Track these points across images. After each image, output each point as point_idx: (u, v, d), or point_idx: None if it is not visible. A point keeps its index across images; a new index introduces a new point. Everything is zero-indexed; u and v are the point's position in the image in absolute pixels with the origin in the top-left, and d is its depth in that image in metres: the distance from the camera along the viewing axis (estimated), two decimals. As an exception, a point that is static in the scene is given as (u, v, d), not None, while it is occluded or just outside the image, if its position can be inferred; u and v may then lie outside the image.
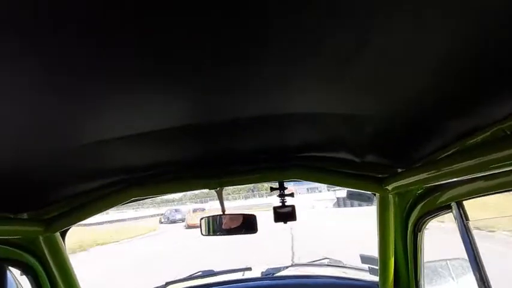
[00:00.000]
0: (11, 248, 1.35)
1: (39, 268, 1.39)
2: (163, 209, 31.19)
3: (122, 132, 0.79)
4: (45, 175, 1.02)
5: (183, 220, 22.30)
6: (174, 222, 23.24)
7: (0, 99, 0.54)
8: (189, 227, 18.35)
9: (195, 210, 20.34)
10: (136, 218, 28.56)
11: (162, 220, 24.85)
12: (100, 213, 1.37)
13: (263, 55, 0.53)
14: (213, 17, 0.42)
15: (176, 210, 25.22)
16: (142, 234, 18.42)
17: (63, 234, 1.49)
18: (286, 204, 1.48)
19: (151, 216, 28.66)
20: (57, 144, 0.80)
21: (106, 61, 0.49)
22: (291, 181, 1.45)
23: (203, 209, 20.24)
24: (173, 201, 44.32)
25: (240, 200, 38.02)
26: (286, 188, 1.49)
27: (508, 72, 0.58)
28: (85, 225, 16.94)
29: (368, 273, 1.89)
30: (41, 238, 1.36)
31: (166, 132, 0.83)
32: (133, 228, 20.12)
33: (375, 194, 1.39)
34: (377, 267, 1.51)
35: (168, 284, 2.22)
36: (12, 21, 0.38)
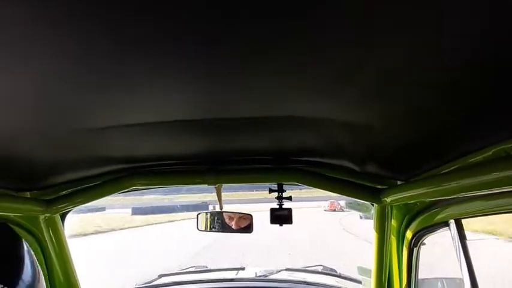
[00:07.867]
0: (12, 226, 1.38)
1: (38, 249, 1.42)
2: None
3: (131, 120, 0.80)
4: (50, 156, 1.04)
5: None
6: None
7: (10, 76, 0.54)
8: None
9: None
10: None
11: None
12: (100, 199, 1.39)
13: (264, 63, 0.53)
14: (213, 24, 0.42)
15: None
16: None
17: (63, 217, 1.52)
18: (283, 207, 1.48)
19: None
20: (66, 127, 0.81)
21: (128, 49, 0.48)
22: (290, 184, 1.45)
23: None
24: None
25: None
26: (285, 191, 1.49)
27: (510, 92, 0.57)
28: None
29: (361, 285, 1.87)
30: (41, 218, 1.39)
31: (172, 124, 0.84)
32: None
33: (373, 205, 1.38)
34: (370, 279, 1.49)
35: (161, 276, 2.25)
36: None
